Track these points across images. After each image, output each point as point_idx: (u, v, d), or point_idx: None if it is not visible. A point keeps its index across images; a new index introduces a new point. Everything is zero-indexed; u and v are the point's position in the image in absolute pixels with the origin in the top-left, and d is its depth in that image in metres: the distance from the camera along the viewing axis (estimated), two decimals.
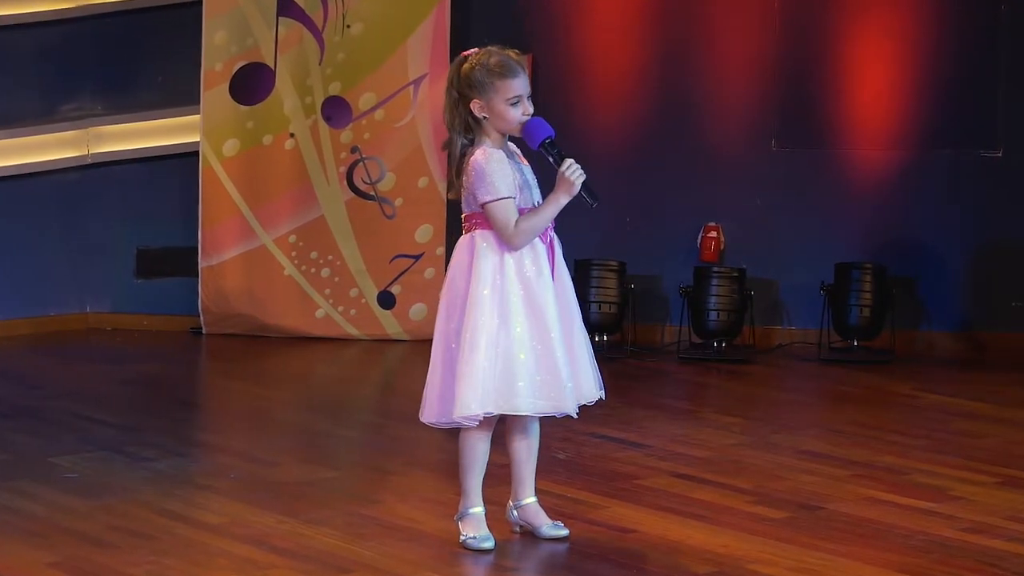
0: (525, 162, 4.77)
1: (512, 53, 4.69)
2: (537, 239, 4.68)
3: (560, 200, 4.64)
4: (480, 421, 4.68)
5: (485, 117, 4.67)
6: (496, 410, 4.63)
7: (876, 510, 5.32)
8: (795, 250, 8.68)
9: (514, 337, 4.62)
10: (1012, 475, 5.88)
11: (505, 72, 4.63)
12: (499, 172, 4.62)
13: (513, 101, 4.64)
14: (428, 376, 4.75)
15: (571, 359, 4.74)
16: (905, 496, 5.52)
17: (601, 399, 4.87)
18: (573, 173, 4.61)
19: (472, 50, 4.74)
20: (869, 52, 8.66)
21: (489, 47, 4.70)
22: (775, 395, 7.74)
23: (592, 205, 4.70)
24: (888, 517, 5.24)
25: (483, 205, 4.64)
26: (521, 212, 4.66)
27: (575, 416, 4.72)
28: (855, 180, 8.70)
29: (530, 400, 4.63)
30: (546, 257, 4.71)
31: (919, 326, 8.69)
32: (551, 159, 4.68)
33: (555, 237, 4.78)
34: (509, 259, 4.66)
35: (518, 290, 4.65)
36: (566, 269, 4.83)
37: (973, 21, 8.62)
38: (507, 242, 4.64)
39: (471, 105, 4.67)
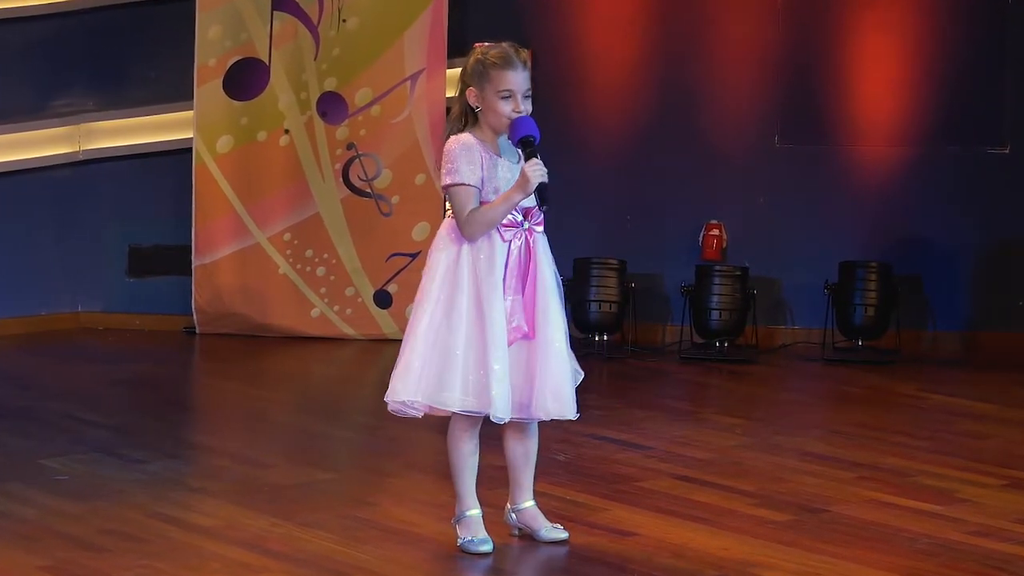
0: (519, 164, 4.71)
1: (523, 51, 4.68)
2: (497, 239, 4.63)
3: (514, 197, 4.60)
4: (420, 412, 4.68)
5: (478, 107, 4.66)
6: (424, 400, 4.64)
7: (881, 512, 5.31)
8: (798, 248, 8.68)
9: (454, 331, 4.61)
10: (1018, 477, 5.87)
11: (501, 63, 4.62)
12: (464, 158, 4.61)
13: (505, 94, 4.62)
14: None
15: (544, 371, 4.68)
16: (910, 498, 5.50)
17: (572, 420, 4.78)
18: (534, 171, 4.56)
19: (485, 43, 4.72)
20: (873, 47, 8.66)
21: (503, 42, 4.69)
22: (778, 396, 7.74)
23: (541, 208, 4.64)
24: (893, 520, 5.22)
25: (444, 188, 4.64)
26: None
27: (502, 423, 4.66)
28: (859, 177, 8.69)
29: (459, 397, 4.61)
30: (503, 258, 4.65)
31: (925, 326, 8.69)
32: (523, 156, 4.63)
33: (538, 241, 4.72)
34: (465, 251, 4.65)
35: (467, 285, 4.63)
36: (552, 278, 4.75)
37: (979, 15, 8.62)
38: (461, 230, 4.63)
39: (467, 93, 4.67)
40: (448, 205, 4.71)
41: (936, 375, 8.04)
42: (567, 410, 4.72)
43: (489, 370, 4.58)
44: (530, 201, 4.64)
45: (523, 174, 4.57)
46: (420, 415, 4.71)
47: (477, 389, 4.59)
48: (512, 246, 4.66)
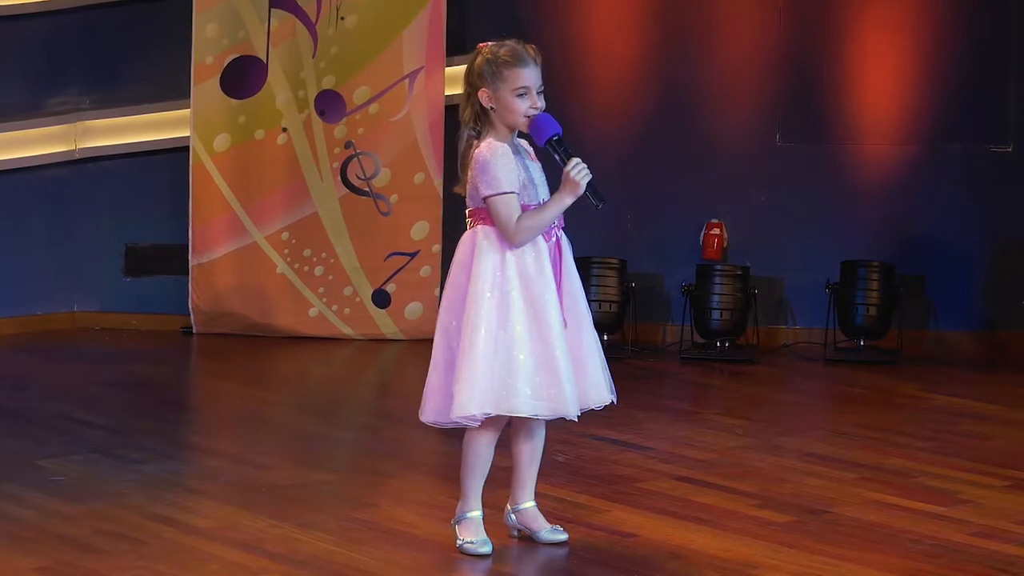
0: (534, 160, 4.72)
1: (529, 48, 4.64)
2: (540, 238, 4.63)
3: (564, 200, 4.59)
4: (480, 422, 4.61)
5: (492, 108, 4.62)
6: (494, 410, 4.57)
7: (883, 514, 5.28)
8: (800, 248, 8.67)
9: (514, 336, 4.56)
10: (1021, 478, 5.85)
11: (513, 61, 4.58)
12: (503, 166, 4.56)
13: (520, 92, 4.58)
14: (428, 374, 4.70)
15: (579, 362, 4.69)
16: (913, 500, 5.48)
17: (612, 403, 4.79)
18: (579, 173, 4.56)
19: (488, 42, 4.67)
20: (876, 44, 8.64)
21: (507, 39, 4.65)
22: (779, 396, 7.70)
23: (597, 206, 4.63)
24: (895, 521, 5.19)
25: (485, 199, 4.58)
26: (525, 209, 4.60)
27: (575, 420, 4.66)
28: (862, 176, 8.68)
29: (529, 401, 4.57)
30: (548, 256, 4.64)
31: (927, 325, 8.67)
32: (557, 157, 4.63)
33: (563, 236, 4.73)
34: (510, 256, 4.60)
35: (519, 289, 4.59)
36: (575, 270, 4.77)
37: (983, 12, 8.60)
38: (508, 239, 4.58)
39: (479, 94, 4.62)
40: (468, 210, 4.67)
41: (938, 375, 8.02)
42: (605, 395, 4.74)
43: (556, 371, 4.56)
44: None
45: (569, 178, 4.55)
46: (477, 424, 4.64)
47: (546, 392, 4.56)
48: (550, 243, 4.65)
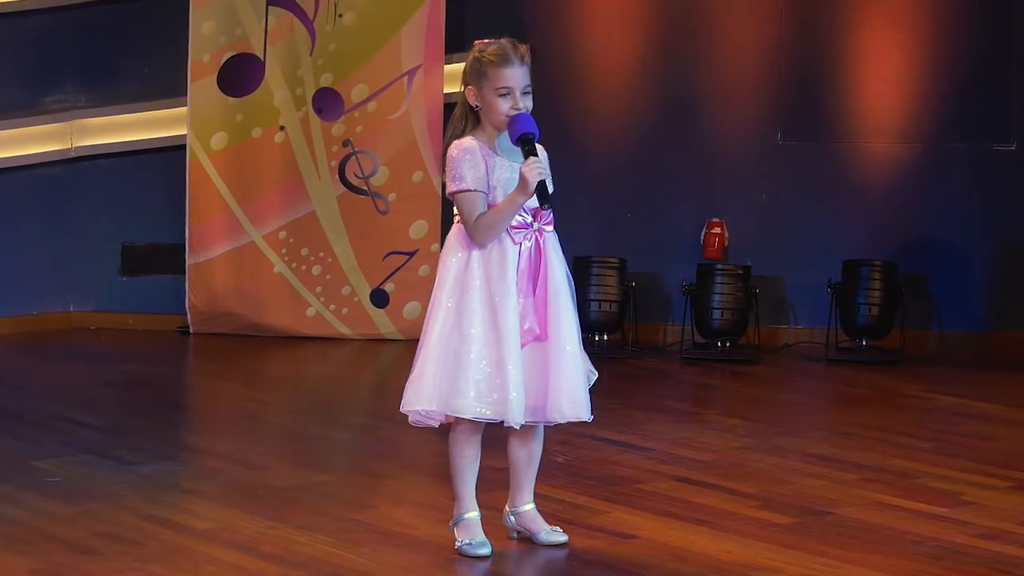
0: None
1: (522, 47, 4.62)
2: (508, 242, 4.58)
3: (516, 199, 4.55)
4: (438, 421, 4.63)
5: (478, 106, 4.61)
6: (440, 409, 4.58)
7: (885, 515, 5.26)
8: (801, 247, 8.67)
9: (467, 337, 4.55)
10: None
11: (497, 61, 4.56)
12: (467, 163, 4.56)
13: (502, 92, 4.56)
14: None
15: (552, 373, 4.63)
16: (915, 501, 5.46)
17: (585, 421, 4.74)
18: (531, 171, 4.51)
19: (485, 39, 4.66)
20: (878, 42, 8.64)
21: (502, 38, 4.63)
22: (780, 396, 7.70)
23: (544, 208, 4.59)
24: (897, 522, 5.18)
25: (450, 195, 4.61)
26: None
27: (517, 428, 4.62)
28: (864, 174, 8.68)
29: (473, 404, 4.55)
30: (513, 261, 4.59)
31: (930, 325, 8.67)
32: (523, 156, 4.59)
33: (549, 241, 4.66)
34: (476, 256, 4.60)
35: (480, 289, 4.58)
36: (565, 279, 4.70)
37: (986, 10, 8.60)
38: (471, 236, 4.58)
39: (467, 92, 4.63)
40: (456, 211, 4.65)
41: (941, 375, 8.03)
42: (582, 412, 4.68)
43: (504, 375, 4.53)
44: (535, 201, 4.58)
45: (521, 176, 4.52)
46: (436, 424, 4.65)
47: (491, 395, 4.54)
48: (522, 247, 4.60)
